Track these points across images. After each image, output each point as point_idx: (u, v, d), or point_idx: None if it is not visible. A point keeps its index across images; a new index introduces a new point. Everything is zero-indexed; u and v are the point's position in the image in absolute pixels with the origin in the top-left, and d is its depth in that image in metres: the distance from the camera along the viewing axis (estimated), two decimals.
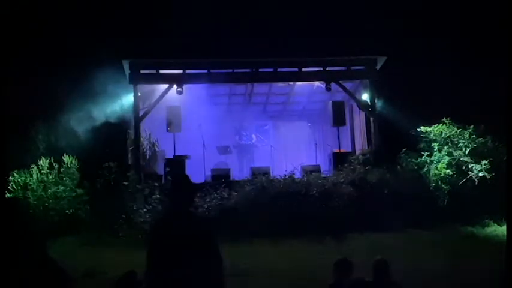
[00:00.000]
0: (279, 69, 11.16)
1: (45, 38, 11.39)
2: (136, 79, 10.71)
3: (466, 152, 9.47)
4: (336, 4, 12.24)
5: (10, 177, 8.66)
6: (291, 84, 12.54)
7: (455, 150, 9.58)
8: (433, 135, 9.80)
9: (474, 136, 9.65)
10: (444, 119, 9.85)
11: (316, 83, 12.01)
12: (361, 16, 12.14)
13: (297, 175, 10.07)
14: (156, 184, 9.15)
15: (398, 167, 9.65)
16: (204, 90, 12.01)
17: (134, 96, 10.64)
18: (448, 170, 9.33)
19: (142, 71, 10.88)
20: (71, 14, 11.83)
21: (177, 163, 10.37)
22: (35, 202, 8.65)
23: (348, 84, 11.50)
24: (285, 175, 9.60)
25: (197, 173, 10.65)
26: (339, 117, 11.39)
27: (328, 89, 11.12)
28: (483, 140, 9.63)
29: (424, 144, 9.88)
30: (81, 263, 6.45)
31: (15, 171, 8.87)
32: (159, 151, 11.48)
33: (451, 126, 9.80)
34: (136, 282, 3.56)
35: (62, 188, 8.91)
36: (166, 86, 10.80)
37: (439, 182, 9.34)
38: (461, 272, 5.94)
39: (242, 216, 8.40)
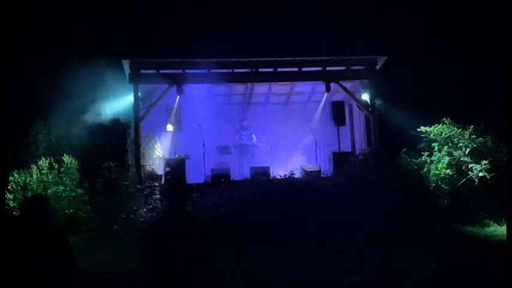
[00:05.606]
0: (279, 69, 11.15)
1: (46, 38, 11.40)
2: (136, 79, 10.70)
3: (466, 152, 9.46)
4: (336, 4, 12.26)
5: (10, 177, 8.66)
6: (291, 84, 12.54)
7: (455, 150, 9.57)
8: (433, 135, 9.79)
9: (474, 136, 9.65)
10: (444, 119, 9.84)
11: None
12: (361, 16, 12.16)
13: (297, 175, 10.08)
14: (156, 184, 9.15)
15: (398, 166, 9.64)
16: (204, 90, 12.00)
17: (134, 96, 10.63)
18: (448, 170, 9.33)
19: (142, 71, 10.87)
20: (72, 13, 11.85)
21: (177, 163, 10.38)
22: None
23: (348, 84, 11.49)
24: (285, 175, 9.59)
25: (197, 173, 10.69)
26: (339, 117, 11.40)
27: (328, 89, 11.12)
28: (483, 140, 9.62)
29: (424, 144, 9.87)
30: (81, 262, 6.43)
31: (15, 171, 8.87)
32: (158, 151, 11.49)
33: (451, 126, 9.79)
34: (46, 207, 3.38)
35: (62, 188, 8.91)
36: (166, 86, 10.81)
37: (439, 182, 9.33)
38: (461, 272, 5.93)
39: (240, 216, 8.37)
